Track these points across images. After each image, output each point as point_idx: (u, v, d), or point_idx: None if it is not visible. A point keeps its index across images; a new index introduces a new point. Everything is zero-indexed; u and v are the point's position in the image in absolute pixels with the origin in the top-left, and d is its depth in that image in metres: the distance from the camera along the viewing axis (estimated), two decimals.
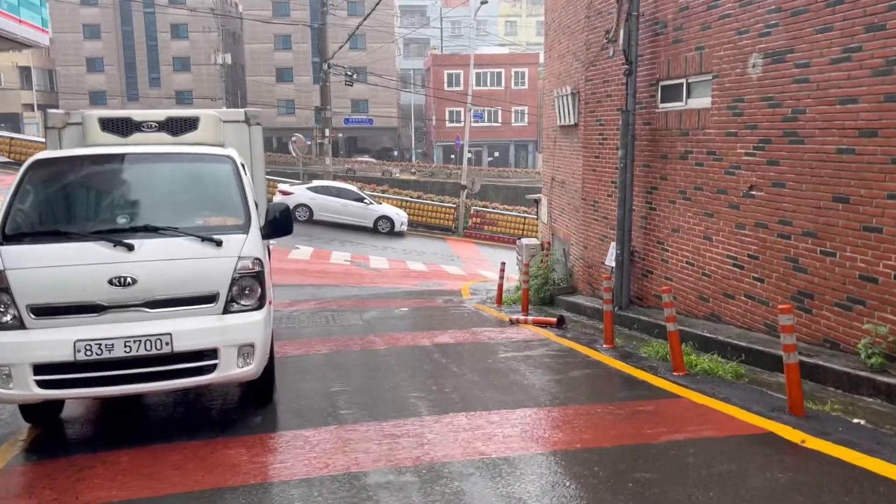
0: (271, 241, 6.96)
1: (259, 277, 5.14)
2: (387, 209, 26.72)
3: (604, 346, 8.09)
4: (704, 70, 8.09)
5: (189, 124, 6.39)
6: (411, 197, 30.42)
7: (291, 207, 25.54)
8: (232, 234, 5.16)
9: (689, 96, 8.56)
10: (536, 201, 16.05)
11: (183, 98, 67.87)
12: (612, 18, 10.31)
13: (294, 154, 30.65)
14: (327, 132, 27.85)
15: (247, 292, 5.10)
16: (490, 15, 79.63)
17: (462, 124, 60.06)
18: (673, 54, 8.73)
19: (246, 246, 5.14)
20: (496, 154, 67.11)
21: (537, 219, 16.22)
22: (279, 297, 13.25)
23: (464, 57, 65.09)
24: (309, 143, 36.60)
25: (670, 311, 6.70)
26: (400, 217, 26.61)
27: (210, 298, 4.97)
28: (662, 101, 9.16)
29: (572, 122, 12.28)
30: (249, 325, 5.04)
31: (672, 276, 8.98)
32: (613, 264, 10.13)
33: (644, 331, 8.89)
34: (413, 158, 67.72)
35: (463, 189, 29.73)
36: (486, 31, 77.16)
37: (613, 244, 10.26)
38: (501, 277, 13.07)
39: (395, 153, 68.22)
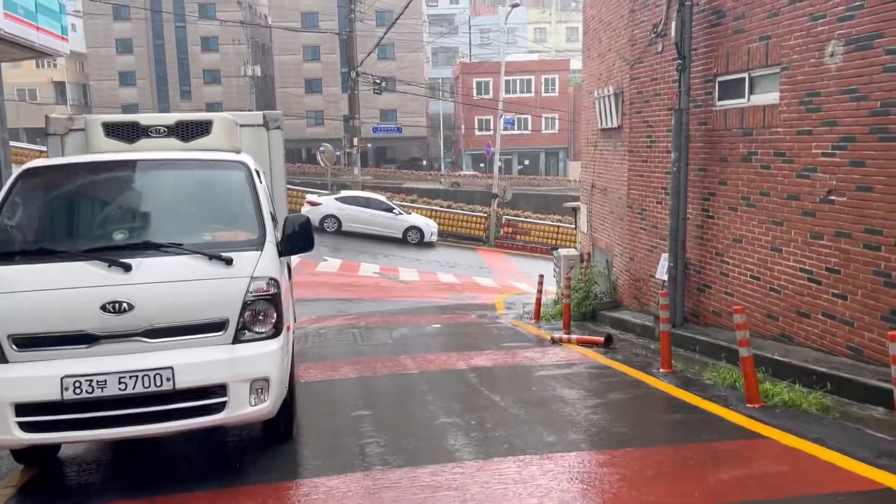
0: (292, 257, 6.32)
1: (275, 301, 4.47)
2: (416, 219, 26.08)
3: (661, 370, 7.26)
4: (771, 62, 7.25)
5: (201, 128, 5.77)
6: (441, 206, 29.74)
7: (320, 218, 25.14)
8: (244, 251, 4.50)
9: (752, 92, 7.73)
10: (574, 210, 15.26)
11: (213, 110, 68.20)
12: (661, 11, 9.52)
13: (322, 164, 30.21)
14: (355, 141, 27.34)
15: (261, 318, 4.42)
16: (519, 22, 79.00)
17: (492, 132, 59.45)
18: (733, 46, 7.91)
19: (260, 264, 4.47)
20: (526, 162, 66.33)
21: (575, 228, 15.40)
22: (305, 312, 12.63)
23: (493, 64, 64.50)
24: (338, 153, 36.22)
25: (743, 333, 5.87)
26: (430, 227, 25.95)
27: (218, 326, 4.30)
28: (720, 99, 8.33)
29: (615, 125, 11.48)
30: (263, 356, 4.36)
31: (734, 292, 8.12)
32: (665, 278, 9.29)
33: (703, 352, 8.04)
34: (442, 167, 67.18)
35: (494, 198, 28.97)
36: (514, 39, 76.59)
37: (665, 255, 9.42)
38: (540, 291, 12.27)
39: (424, 162, 67.76)
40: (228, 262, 4.38)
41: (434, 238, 26.17)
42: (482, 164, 64.69)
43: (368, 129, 63.92)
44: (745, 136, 7.78)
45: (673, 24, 8.56)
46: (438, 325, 11.59)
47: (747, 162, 7.75)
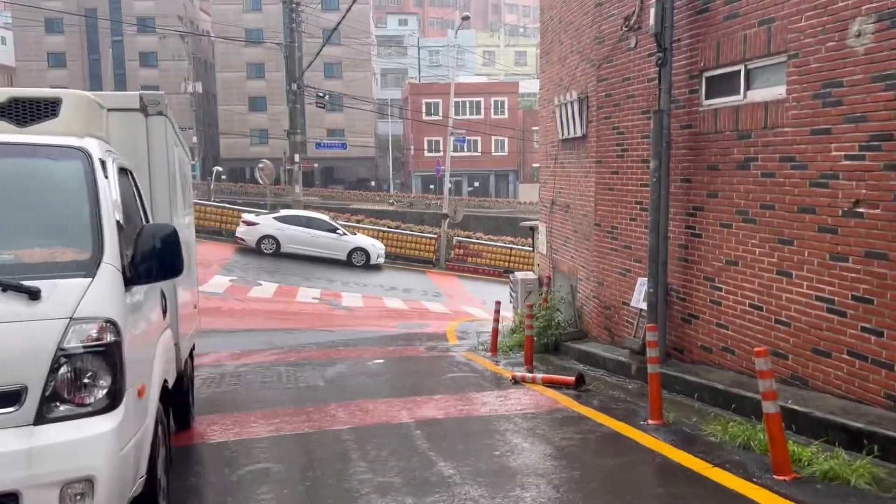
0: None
1: (110, 355, 2.93)
2: (362, 240, 24.49)
3: (649, 421, 5.90)
4: (775, 50, 6.07)
5: (45, 109, 4.16)
6: (389, 227, 28.23)
7: (257, 239, 23.32)
8: (64, 278, 2.96)
9: (749, 87, 6.54)
10: (532, 229, 13.98)
11: None
12: (634, 1, 8.33)
13: (262, 182, 28.42)
14: (297, 158, 25.68)
15: (84, 382, 2.88)
16: (468, 45, 78.71)
17: (442, 153, 58.37)
18: (725, 34, 6.72)
19: (88, 298, 2.93)
20: (476, 184, 65.55)
21: (533, 250, 14.12)
22: (226, 345, 10.95)
23: (442, 86, 63.67)
24: (282, 169, 34.43)
25: (769, 383, 4.53)
26: (376, 248, 24.39)
27: (9, 397, 2.74)
28: (708, 97, 7.13)
29: (579, 133, 10.24)
30: (85, 442, 2.81)
31: (728, 323, 6.85)
32: (643, 306, 8.00)
33: (691, 395, 6.73)
34: (391, 189, 65.85)
35: (444, 218, 27.62)
36: (464, 62, 76.06)
37: (642, 280, 8.14)
38: (497, 321, 10.86)
39: (373, 183, 66.30)
40: (33, 294, 2.84)
41: (381, 260, 24.62)
42: (432, 186, 63.55)
43: (315, 147, 62.23)
44: (741, 140, 6.57)
45: (651, 12, 7.36)
46: (381, 361, 10.06)
47: (744, 170, 6.52)
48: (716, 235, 7.00)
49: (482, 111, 62.95)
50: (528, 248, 28.04)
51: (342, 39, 61.13)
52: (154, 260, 3.29)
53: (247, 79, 63.55)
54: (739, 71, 6.60)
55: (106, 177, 3.45)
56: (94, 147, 3.56)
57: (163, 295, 4.29)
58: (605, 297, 9.41)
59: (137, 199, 4.24)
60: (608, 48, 9.12)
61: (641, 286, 8.13)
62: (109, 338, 2.94)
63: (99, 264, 3.07)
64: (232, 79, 63.45)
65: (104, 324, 2.93)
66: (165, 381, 4.05)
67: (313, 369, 9.23)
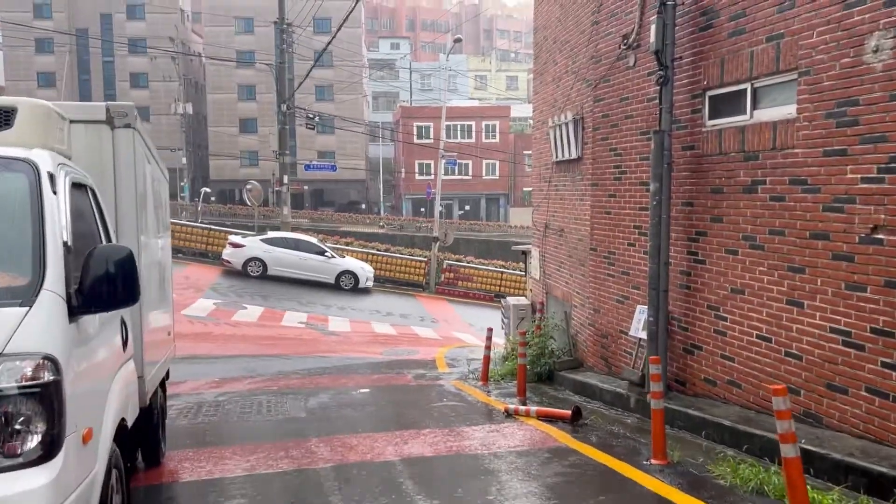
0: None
1: (47, 396, 2.52)
2: (350, 263, 24.06)
3: (652, 461, 5.50)
4: (784, 67, 5.78)
5: None
6: (378, 250, 27.82)
7: (243, 261, 22.84)
8: None
9: (755, 106, 6.24)
10: (524, 253, 13.63)
11: None
12: (633, 18, 8.07)
13: (249, 203, 28.01)
14: (285, 179, 25.31)
15: (16, 429, 2.47)
16: (460, 69, 79.21)
17: (433, 176, 58.22)
18: (729, 52, 6.44)
19: (23, 332, 2.53)
20: (467, 207, 65.46)
21: (525, 274, 13.76)
22: (207, 373, 10.48)
23: (434, 109, 63.71)
24: (270, 191, 34.04)
25: (787, 424, 4.15)
26: (365, 272, 23.95)
27: None
28: (712, 117, 6.83)
29: (574, 156, 9.94)
30: (15, 500, 2.38)
31: (734, 355, 6.48)
32: (643, 335, 7.63)
33: (695, 431, 6.34)
34: (381, 212, 65.62)
35: (435, 241, 27.26)
36: (455, 86, 76.46)
37: (641, 308, 7.78)
38: (488, 348, 10.45)
39: (363, 206, 66.03)
40: None
41: (370, 283, 24.17)
42: (422, 209, 63.33)
43: (305, 169, 61.92)
44: (747, 161, 6.25)
45: (651, 29, 7.08)
46: (367, 391, 9.61)
47: (751, 193, 6.21)
48: (720, 262, 6.66)
49: (473, 135, 63.04)
50: (519, 273, 27.69)
51: (334, 62, 61.30)
52: (105, 286, 2.89)
53: (238, 100, 63.44)
54: (745, 89, 6.31)
55: (55, 192, 3.06)
56: (42, 159, 3.17)
57: (123, 323, 3.88)
58: (602, 324, 9.03)
59: (97, 218, 3.85)
60: (605, 67, 8.85)
61: (641, 314, 7.76)
62: (47, 377, 2.53)
63: (38, 291, 2.67)
64: (223, 100, 63.33)
65: (41, 361, 2.53)
66: (123, 420, 3.63)
67: (296, 399, 8.77)
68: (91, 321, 3.07)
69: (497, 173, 64.57)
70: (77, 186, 3.55)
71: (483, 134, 62.99)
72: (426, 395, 9.23)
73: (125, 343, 3.88)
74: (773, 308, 5.98)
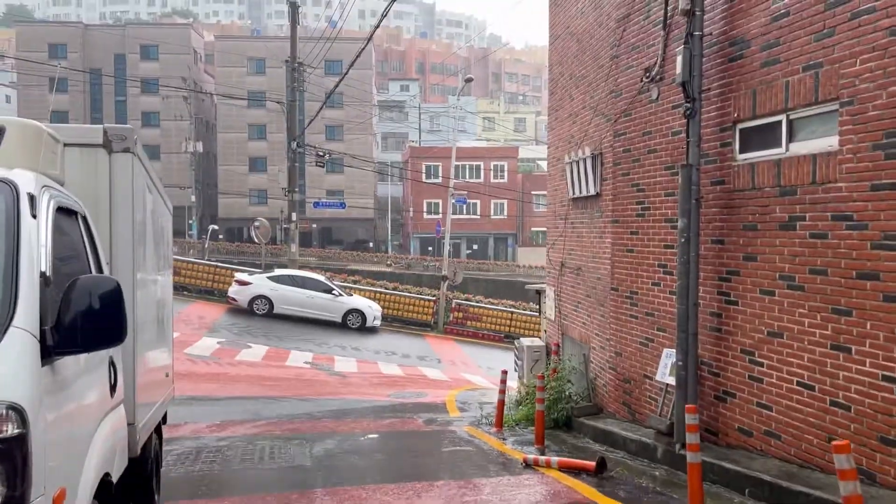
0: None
1: (10, 452, 2.14)
2: (358, 301, 23.66)
3: None
4: (824, 97, 5.46)
5: None
6: (386, 288, 27.44)
7: (249, 299, 22.49)
8: None
9: (792, 139, 5.91)
10: (539, 293, 13.22)
11: None
12: (656, 51, 7.82)
13: (257, 240, 27.78)
14: (294, 216, 25.10)
15: None
16: (468, 111, 79.91)
17: (441, 215, 58.13)
18: (762, 82, 6.14)
19: None
20: (475, 247, 65.25)
21: (540, 315, 13.34)
22: (208, 415, 10.04)
23: (442, 149, 63.97)
24: (279, 228, 33.92)
25: (852, 486, 3.71)
26: (372, 310, 23.53)
27: None
28: (743, 150, 6.50)
29: (592, 192, 9.61)
30: None
31: (772, 404, 6.03)
32: (669, 380, 7.18)
33: (729, 486, 5.86)
34: (389, 250, 65.46)
35: (444, 280, 26.87)
36: (464, 126, 77.00)
37: (668, 352, 7.34)
38: (503, 391, 9.97)
39: (371, 245, 65.92)
40: None
41: (377, 322, 23.73)
42: (430, 248, 63.12)
43: (314, 207, 61.96)
44: (783, 197, 5.89)
45: (678, 60, 6.81)
46: (375, 436, 9.13)
47: (789, 230, 5.83)
48: (755, 303, 6.25)
49: (482, 175, 63.16)
50: (529, 313, 27.21)
51: (344, 103, 61.89)
52: (88, 322, 2.53)
53: (248, 140, 63.93)
54: (780, 121, 5.98)
55: (34, 216, 2.71)
56: (23, 179, 2.84)
57: (112, 365, 3.50)
58: (624, 368, 8.58)
59: (88, 248, 3.50)
60: (626, 101, 8.57)
61: (668, 358, 7.33)
62: (10, 430, 2.15)
63: (6, 328, 2.31)
64: (233, 139, 63.83)
65: (4, 411, 2.15)
66: (108, 475, 3.22)
67: (300, 445, 8.31)
68: (71, 363, 2.70)
69: (505, 213, 64.51)
70: (65, 212, 3.22)
71: (492, 174, 63.12)
72: (438, 442, 8.75)
73: (113, 387, 3.49)
74: (815, 353, 5.55)
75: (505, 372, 10.36)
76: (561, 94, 11.57)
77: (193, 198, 58.60)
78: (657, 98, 7.82)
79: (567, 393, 9.83)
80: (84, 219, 3.59)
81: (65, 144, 3.91)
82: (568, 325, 11.07)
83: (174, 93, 58.62)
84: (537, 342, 12.30)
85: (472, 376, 18.57)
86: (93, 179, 4.07)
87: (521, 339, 12.56)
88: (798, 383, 5.73)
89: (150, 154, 68.86)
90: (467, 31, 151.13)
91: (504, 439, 8.84)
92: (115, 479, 3.45)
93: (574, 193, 10.45)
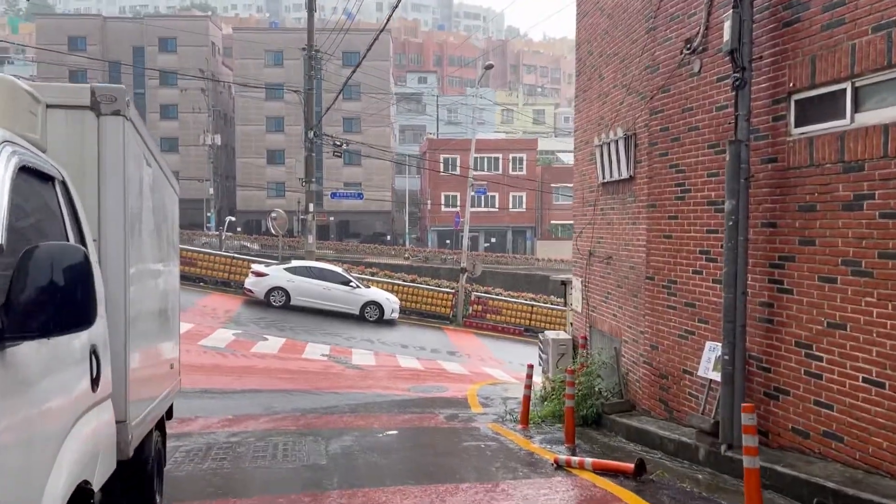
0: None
1: None
2: (376, 293, 23.22)
3: None
4: None
5: None
6: (404, 280, 26.96)
7: (266, 291, 22.15)
8: None
9: (857, 108, 5.32)
10: (565, 284, 12.67)
11: None
12: (698, 20, 7.23)
13: (273, 231, 27.43)
14: (311, 207, 24.69)
15: None
16: (486, 103, 79.30)
17: (459, 207, 57.58)
18: (823, 47, 5.55)
19: None
20: (493, 240, 64.72)
21: (566, 307, 12.77)
22: (220, 409, 9.64)
23: (460, 141, 63.40)
24: (295, 219, 33.56)
25: None
26: (390, 303, 23.08)
27: None
28: (800, 124, 5.91)
29: (625, 175, 9.05)
30: None
31: (832, 402, 5.46)
32: (713, 375, 6.63)
33: (786, 492, 5.31)
34: (407, 243, 65.08)
35: (462, 272, 26.34)
36: (482, 118, 76.37)
37: (712, 345, 6.79)
38: (528, 387, 9.44)
39: (389, 237, 65.57)
40: None
41: (395, 315, 23.29)
42: (448, 241, 62.66)
43: (334, 201, 61.70)
44: (847, 173, 5.31)
45: (725, 27, 6.22)
46: (395, 433, 8.66)
47: (854, 210, 5.25)
48: (813, 292, 5.67)
49: (500, 167, 62.52)
50: (550, 306, 26.65)
51: (362, 94, 61.49)
52: (47, 302, 2.05)
53: (266, 132, 63.78)
54: (845, 90, 5.39)
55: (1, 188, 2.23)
56: None
57: (94, 355, 3.03)
58: (661, 363, 8.02)
59: (67, 219, 3.03)
60: (663, 77, 7.99)
61: (711, 352, 6.77)
62: None
63: None
64: (251, 132, 63.72)
65: None
66: (86, 482, 2.75)
67: (315, 442, 7.85)
68: (30, 351, 2.22)
69: (524, 205, 63.87)
70: (36, 175, 2.74)
71: (510, 166, 62.43)
72: (461, 440, 8.26)
73: (95, 381, 3.02)
74: (885, 347, 4.97)
75: (531, 366, 9.84)
76: (589, 73, 10.98)
77: (211, 190, 58.60)
78: (699, 71, 7.23)
79: (597, 389, 9.30)
80: (64, 186, 3.12)
81: (47, 106, 3.45)
82: (596, 317, 10.52)
83: (192, 85, 58.55)
84: (563, 335, 11.76)
85: (493, 370, 18.07)
86: (79, 145, 3.61)
87: (546, 332, 12.03)
88: (864, 380, 5.16)
89: (168, 146, 68.78)
90: (485, 23, 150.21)
91: (531, 437, 8.33)
92: (97, 486, 2.98)
93: (604, 178, 9.89)
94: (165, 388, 5.28)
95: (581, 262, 11.31)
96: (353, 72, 19.90)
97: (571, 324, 12.37)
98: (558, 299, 29.65)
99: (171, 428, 8.48)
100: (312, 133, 24.10)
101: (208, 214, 59.81)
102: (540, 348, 12.32)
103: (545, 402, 10.72)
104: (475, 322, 25.78)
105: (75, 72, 62.67)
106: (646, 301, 8.33)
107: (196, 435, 8.31)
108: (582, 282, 11.23)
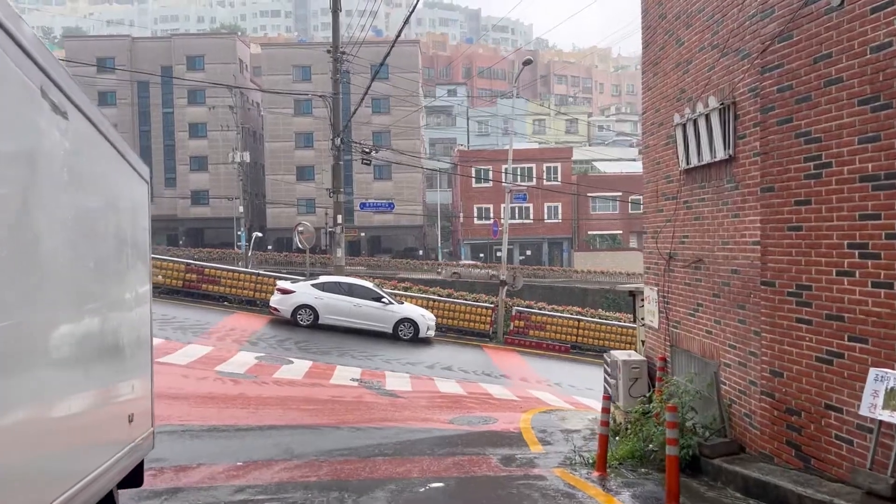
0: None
1: None
2: (410, 310, 21.50)
3: None
4: None
5: None
6: (439, 295, 25.21)
7: (293, 309, 20.58)
8: None
9: None
10: (633, 294, 10.80)
11: (199, 198, 65.39)
12: None
13: (300, 245, 25.92)
14: (339, 219, 23.14)
15: None
16: (518, 112, 77.77)
17: (492, 220, 55.77)
18: None
19: None
20: (528, 252, 62.86)
21: (635, 322, 10.87)
22: (230, 453, 7.98)
23: (492, 152, 61.84)
24: (323, 232, 32.12)
25: None
26: (426, 320, 21.32)
27: None
28: None
29: (722, 156, 7.21)
30: None
31: None
32: (884, 416, 4.74)
33: None
34: (440, 258, 63.51)
35: (502, 285, 24.50)
36: (514, 129, 74.87)
37: (879, 373, 4.90)
38: (605, 424, 7.56)
39: (421, 252, 64.08)
40: None
41: (431, 333, 21.53)
42: (482, 255, 60.93)
43: (364, 216, 60.44)
44: None
45: None
46: (440, 485, 6.87)
47: None
48: None
49: (534, 177, 60.78)
50: (598, 321, 24.67)
51: (392, 108, 60.33)
52: None
53: (295, 148, 63.04)
54: None
55: None
56: None
57: None
58: (788, 394, 6.13)
59: None
60: (780, 21, 6.16)
61: (879, 382, 4.89)
62: None
63: None
64: (280, 148, 63.02)
65: None
66: None
67: (341, 501, 6.11)
68: None
69: (559, 216, 61.95)
70: None
71: (544, 176, 60.57)
72: (525, 496, 6.43)
73: None
74: None
75: (607, 397, 7.96)
76: (662, 41, 9.18)
77: (241, 209, 57.79)
78: (841, 2, 5.40)
79: (691, 424, 7.42)
80: None
81: None
82: (681, 334, 8.64)
83: (220, 103, 57.91)
84: (635, 356, 9.88)
85: (542, 393, 16.19)
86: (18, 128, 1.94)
87: (613, 352, 10.16)
88: None
89: (198, 165, 68.37)
90: (513, 35, 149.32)
91: (615, 492, 6.47)
92: None
93: (689, 163, 8.06)
94: (111, 455, 3.58)
95: (656, 269, 9.45)
96: (382, 63, 18.41)
97: (642, 342, 10.48)
98: (606, 312, 27.63)
99: (164, 482, 6.82)
100: (339, 140, 22.59)
101: (239, 233, 59.01)
102: (606, 371, 10.46)
103: (618, 438, 8.87)
104: (517, 339, 23.90)
105: (104, 92, 62.72)
106: (761, 314, 6.45)
107: (193, 490, 6.63)
108: (658, 292, 9.36)
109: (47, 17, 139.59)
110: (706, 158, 7.59)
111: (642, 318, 10.33)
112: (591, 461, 7.72)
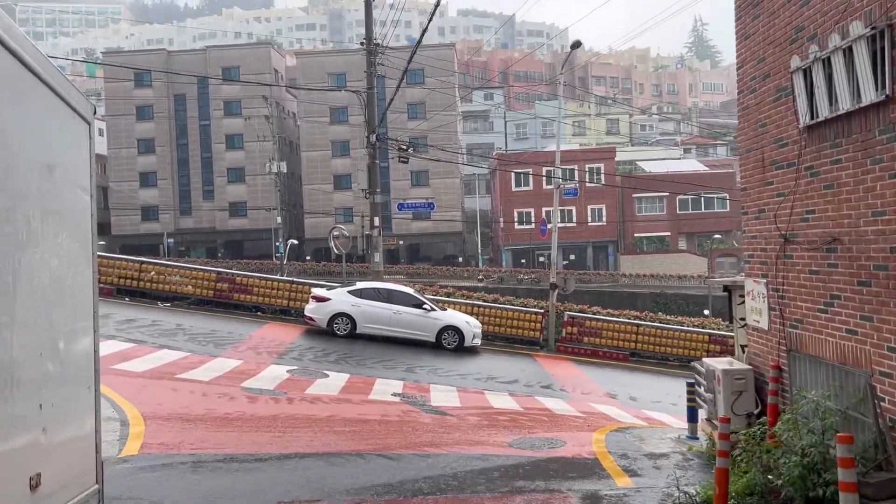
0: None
1: None
2: (454, 317, 19.88)
3: None
4: None
5: None
6: (485, 301, 23.54)
7: (328, 318, 19.15)
8: None
9: None
10: (728, 290, 8.97)
11: (237, 210, 64.97)
12: None
13: (335, 251, 24.56)
14: (376, 221, 21.71)
15: None
16: (556, 112, 75.80)
17: (533, 225, 53.94)
18: None
19: None
20: (572, 257, 60.77)
21: (734, 322, 9.04)
22: (243, 492, 6.44)
23: (531, 154, 60.01)
24: (361, 238, 30.81)
25: None
26: (471, 327, 19.66)
27: None
28: None
29: (872, 99, 5.45)
30: None
31: None
32: None
33: None
34: (480, 264, 61.84)
35: (553, 289, 22.71)
36: (551, 131, 72.93)
37: None
38: (724, 455, 5.78)
39: (461, 260, 62.49)
40: None
41: (477, 341, 19.86)
42: (523, 261, 59.11)
43: (402, 224, 59.21)
44: None
45: None
46: None
47: None
48: None
49: (576, 178, 58.78)
50: (658, 325, 22.70)
51: (428, 112, 59.02)
52: None
53: (332, 157, 62.28)
54: None
55: None
56: None
57: None
58: None
59: None
60: None
61: None
62: None
63: None
64: (317, 157, 62.31)
65: None
66: None
67: None
68: None
69: (604, 218, 59.81)
70: None
71: (587, 177, 58.50)
72: None
73: None
74: None
75: (726, 420, 6.19)
76: None
77: (279, 219, 57.01)
78: None
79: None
80: None
81: None
82: (804, 335, 6.84)
83: (256, 114, 57.35)
84: (737, 365, 8.08)
85: (606, 408, 14.38)
86: None
87: (707, 360, 8.38)
88: None
89: (236, 177, 68.23)
90: (548, 39, 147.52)
91: None
92: None
93: (815, 117, 6.30)
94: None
95: (763, 256, 7.66)
96: (414, 52, 16.89)
97: (741, 346, 8.65)
98: (667, 316, 25.59)
99: None
100: (374, 136, 21.17)
101: (277, 244, 58.22)
102: (698, 382, 8.67)
103: (740, 477, 7.07)
104: (570, 347, 22.07)
105: (142, 107, 62.81)
106: None
107: None
108: (767, 284, 7.56)
109: (90, 39, 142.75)
110: (845, 106, 5.83)
111: (742, 319, 8.51)
112: (700, 501, 5.97)
